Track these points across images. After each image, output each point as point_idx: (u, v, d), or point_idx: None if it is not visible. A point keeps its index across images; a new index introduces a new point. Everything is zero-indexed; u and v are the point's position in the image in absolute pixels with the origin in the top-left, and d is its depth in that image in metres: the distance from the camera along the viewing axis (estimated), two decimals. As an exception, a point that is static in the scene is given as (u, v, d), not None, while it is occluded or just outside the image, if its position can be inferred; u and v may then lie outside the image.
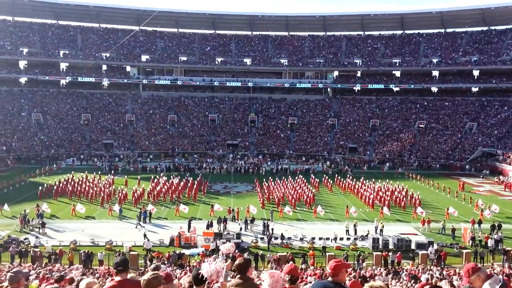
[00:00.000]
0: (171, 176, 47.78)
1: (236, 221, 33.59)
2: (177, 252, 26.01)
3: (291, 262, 5.99)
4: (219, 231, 30.30)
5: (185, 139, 71.29)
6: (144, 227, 31.76)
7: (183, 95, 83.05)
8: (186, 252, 26.58)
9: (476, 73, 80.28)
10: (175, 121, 75.50)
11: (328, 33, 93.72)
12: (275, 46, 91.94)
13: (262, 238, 29.81)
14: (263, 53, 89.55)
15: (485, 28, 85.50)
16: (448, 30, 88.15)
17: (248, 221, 32.43)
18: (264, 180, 47.01)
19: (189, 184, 44.02)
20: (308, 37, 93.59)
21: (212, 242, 27.68)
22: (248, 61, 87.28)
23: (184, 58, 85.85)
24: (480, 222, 32.44)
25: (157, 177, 47.43)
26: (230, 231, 30.62)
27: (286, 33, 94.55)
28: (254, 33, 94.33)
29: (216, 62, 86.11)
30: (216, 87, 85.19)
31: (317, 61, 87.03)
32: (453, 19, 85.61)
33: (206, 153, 68.01)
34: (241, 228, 31.68)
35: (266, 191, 42.93)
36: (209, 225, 30.98)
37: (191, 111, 79.44)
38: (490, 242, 28.79)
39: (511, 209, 39.02)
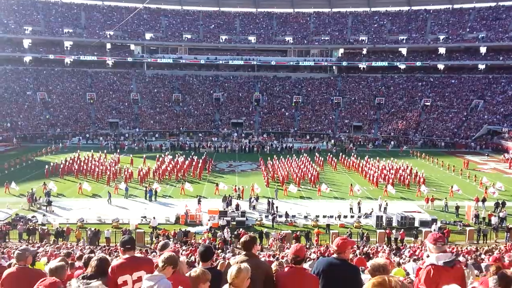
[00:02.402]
0: (176, 155, 48.03)
1: (241, 199, 33.90)
2: (183, 230, 26.41)
3: (297, 244, 6.13)
4: (224, 209, 30.64)
5: (190, 118, 71.35)
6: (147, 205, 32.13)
7: (188, 74, 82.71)
8: (192, 229, 26.96)
9: (483, 50, 79.20)
10: (180, 100, 75.41)
11: (334, 10, 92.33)
12: (280, 23, 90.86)
13: (266, 216, 30.15)
14: (268, 31, 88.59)
15: (493, 4, 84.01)
16: (456, 6, 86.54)
17: (253, 199, 32.70)
18: (269, 158, 47.14)
19: (194, 163, 44.27)
20: (313, 14, 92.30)
21: (219, 220, 28.11)
22: (252, 39, 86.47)
23: (188, 36, 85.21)
24: (484, 200, 32.58)
25: (162, 155, 47.73)
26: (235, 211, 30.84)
27: (291, 10, 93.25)
28: (259, 10, 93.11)
29: (221, 40, 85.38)
30: (220, 65, 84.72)
31: (322, 38, 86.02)
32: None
33: (211, 132, 68.12)
34: (254, 207, 32.08)
35: (270, 169, 43.10)
36: (228, 203, 31.36)
37: (196, 89, 79.25)
38: (494, 220, 28.96)
39: (516, 187, 39.03)
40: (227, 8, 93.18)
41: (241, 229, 26.73)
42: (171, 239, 24.22)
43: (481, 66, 79.53)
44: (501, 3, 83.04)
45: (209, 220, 28.39)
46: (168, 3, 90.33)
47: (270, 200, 32.30)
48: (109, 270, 4.59)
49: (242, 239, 5.08)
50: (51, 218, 28.84)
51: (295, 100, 76.08)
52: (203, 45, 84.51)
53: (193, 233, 26.40)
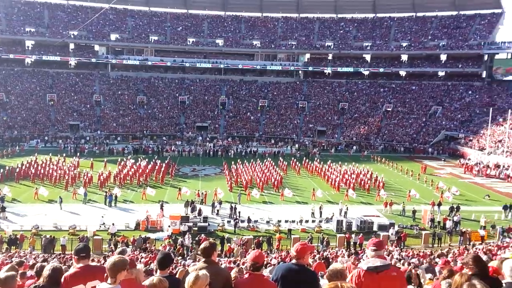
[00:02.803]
0: (139, 159, 47.32)
1: (204, 204, 33.75)
2: (143, 236, 26.05)
3: (256, 250, 6.11)
4: (186, 214, 30.41)
5: (154, 121, 70.43)
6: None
7: (153, 76, 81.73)
8: (152, 236, 26.63)
9: (443, 57, 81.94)
10: (144, 103, 74.37)
11: (302, 15, 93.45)
12: (248, 27, 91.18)
13: (229, 222, 30.10)
14: (236, 34, 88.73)
15: (454, 13, 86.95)
16: (419, 14, 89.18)
17: (215, 204, 32.61)
18: (233, 163, 47.17)
19: (157, 167, 43.77)
20: (281, 19, 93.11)
21: (181, 226, 27.86)
22: (220, 42, 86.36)
23: (155, 38, 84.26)
24: (440, 204, 33.62)
25: (124, 159, 46.96)
26: (197, 217, 30.63)
27: (259, 14, 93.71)
28: (227, 13, 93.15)
29: (188, 43, 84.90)
30: (187, 68, 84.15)
31: (290, 43, 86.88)
32: (424, 3, 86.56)
33: (175, 136, 67.50)
34: (217, 212, 32.05)
35: (234, 174, 43.11)
36: (193, 208, 31.19)
37: (161, 92, 78.37)
38: (448, 224, 29.88)
39: (470, 191, 40.50)
40: (196, 11, 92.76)
41: (202, 235, 26.61)
42: (130, 246, 23.87)
43: (441, 73, 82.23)
44: (462, 12, 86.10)
45: (169, 226, 28.11)
46: (135, 3, 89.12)
47: (233, 205, 32.29)
48: (62, 280, 4.47)
49: (202, 246, 5.02)
50: (4, 224, 27.83)
51: (261, 104, 76.43)
52: (170, 47, 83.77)
53: (153, 239, 26.07)
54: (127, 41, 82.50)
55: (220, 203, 33.01)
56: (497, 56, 77.42)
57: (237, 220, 29.56)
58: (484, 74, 78.47)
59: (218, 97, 78.24)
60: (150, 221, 28.78)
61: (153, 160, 46.71)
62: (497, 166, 49.43)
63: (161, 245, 25.29)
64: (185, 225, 27.89)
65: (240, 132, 70.16)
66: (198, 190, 35.70)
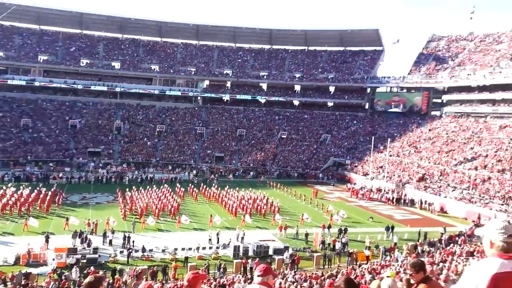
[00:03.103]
0: (21, 187, 43.37)
1: (94, 234, 31.82)
2: (23, 271, 23.69)
3: (146, 282, 5.81)
4: (74, 245, 28.39)
5: (40, 146, 65.26)
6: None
7: (41, 98, 76.23)
8: (34, 271, 24.32)
9: (332, 89, 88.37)
10: (29, 126, 68.77)
11: (201, 42, 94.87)
12: (146, 51, 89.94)
13: (122, 252, 28.70)
14: (133, 58, 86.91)
15: (341, 49, 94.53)
16: (311, 48, 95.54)
17: (107, 234, 30.95)
18: (127, 189, 45.43)
19: (41, 196, 40.45)
20: (181, 45, 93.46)
21: (68, 259, 25.87)
22: (116, 65, 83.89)
23: (45, 58, 79.27)
24: (329, 227, 35.45)
25: (4, 187, 42.73)
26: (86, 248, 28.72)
27: (159, 39, 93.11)
28: (125, 36, 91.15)
29: (81, 64, 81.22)
30: (79, 90, 79.99)
31: (189, 69, 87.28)
32: (315, 38, 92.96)
33: (64, 161, 63.16)
34: (110, 241, 30.28)
35: (128, 201, 41.46)
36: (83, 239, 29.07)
37: (49, 115, 73.16)
38: (338, 245, 31.54)
39: (356, 214, 43.39)
40: (91, 32, 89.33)
41: (92, 268, 24.97)
42: (9, 283, 21.59)
43: (330, 104, 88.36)
44: (348, 48, 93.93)
45: (53, 260, 25.97)
46: (24, 21, 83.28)
47: (127, 234, 30.91)
48: None
49: (86, 280, 4.69)
50: None
51: (158, 129, 75.06)
52: (61, 68, 79.36)
53: (35, 274, 23.80)
54: (12, 59, 76.48)
55: (113, 232, 31.41)
56: (378, 90, 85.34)
57: (130, 250, 28.30)
58: (367, 106, 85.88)
59: (113, 121, 75.28)
60: (32, 255, 26.33)
61: (37, 188, 43.08)
62: (379, 190, 53.82)
63: (44, 280, 23.22)
64: (72, 257, 25.98)
65: (136, 158, 67.94)
66: (89, 219, 33.63)
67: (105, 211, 38.87)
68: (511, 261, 2.72)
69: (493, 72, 67.57)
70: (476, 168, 50.48)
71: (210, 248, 30.68)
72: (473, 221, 38.20)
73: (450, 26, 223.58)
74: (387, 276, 8.50)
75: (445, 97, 75.80)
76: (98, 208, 41.34)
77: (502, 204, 39.79)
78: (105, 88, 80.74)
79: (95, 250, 27.84)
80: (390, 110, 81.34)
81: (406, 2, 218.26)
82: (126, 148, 70.13)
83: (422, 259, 27.00)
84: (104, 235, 30.89)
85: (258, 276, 4.76)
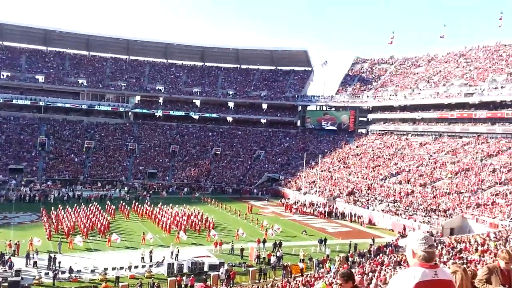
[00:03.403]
0: None
1: (16, 255, 29.61)
2: None
3: None
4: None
5: (-47, 163, 60.19)
6: None
7: (-47, 112, 70.55)
8: None
9: (265, 106, 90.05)
10: None
11: (132, 57, 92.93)
12: (73, 64, 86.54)
13: (47, 273, 26.94)
14: (59, 71, 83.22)
15: (273, 68, 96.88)
16: (243, 66, 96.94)
17: (31, 255, 28.94)
18: (53, 208, 42.93)
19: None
20: (110, 59, 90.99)
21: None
22: (40, 78, 79.98)
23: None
24: (264, 241, 35.71)
25: None
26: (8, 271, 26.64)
27: (86, 53, 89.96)
28: (49, 48, 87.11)
29: (2, 77, 76.26)
30: (-1, 104, 75.03)
31: (119, 84, 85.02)
32: (247, 57, 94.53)
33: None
34: (35, 263, 28.21)
35: (54, 220, 39.16)
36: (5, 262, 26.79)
37: (-37, 131, 67.80)
38: (273, 259, 31.83)
39: (290, 228, 44.12)
40: (12, 43, 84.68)
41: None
42: None
43: (263, 121, 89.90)
44: (279, 67, 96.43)
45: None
46: None
47: (52, 255, 29.10)
48: None
49: None
50: None
51: (86, 145, 71.99)
52: (-22, 81, 74.00)
53: None
54: None
55: (37, 253, 29.44)
56: (309, 108, 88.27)
57: (56, 271, 26.66)
58: (299, 123, 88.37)
59: (36, 137, 71.18)
60: None
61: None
62: (311, 204, 55.24)
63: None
64: (-9, 281, 24.00)
65: (63, 175, 64.52)
66: (10, 240, 31.29)
67: (28, 231, 36.38)
68: (432, 270, 2.93)
69: (412, 93, 72.55)
70: (400, 182, 53.53)
71: (143, 266, 29.71)
72: (399, 232, 40.28)
73: (373, 49, 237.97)
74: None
75: (370, 116, 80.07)
76: (21, 228, 38.61)
77: (424, 216, 42.39)
78: (28, 102, 76.36)
79: (18, 272, 25.92)
80: (320, 128, 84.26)
81: (332, 24, 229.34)
82: (51, 165, 66.45)
83: (353, 269, 28.04)
84: (28, 256, 28.89)
85: None
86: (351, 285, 4.18)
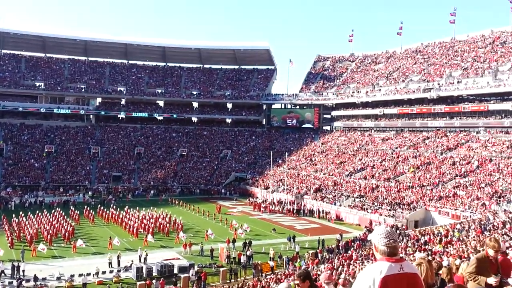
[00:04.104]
0: None
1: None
2: None
3: None
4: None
5: None
6: None
7: None
8: None
9: (229, 105, 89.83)
10: None
11: (91, 58, 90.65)
12: (30, 67, 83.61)
13: (10, 283, 25.98)
14: (14, 74, 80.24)
15: (236, 67, 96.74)
16: (206, 66, 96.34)
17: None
18: (14, 216, 41.40)
19: None
20: (68, 60, 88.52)
21: None
22: (-5, 81, 76.69)
23: None
24: (234, 241, 35.66)
25: None
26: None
27: (42, 54, 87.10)
28: (4, 51, 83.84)
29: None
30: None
31: (79, 86, 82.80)
32: (209, 57, 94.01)
33: None
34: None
35: (16, 228, 37.75)
36: None
37: None
38: (243, 259, 31.81)
39: (259, 226, 44.27)
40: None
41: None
42: None
43: (229, 120, 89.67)
44: (242, 67, 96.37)
45: None
46: None
47: (15, 263, 28.07)
48: None
49: None
50: None
51: (47, 150, 69.74)
52: None
53: None
54: None
55: (1, 262, 28.32)
56: (273, 106, 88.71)
57: (20, 280, 25.73)
58: (264, 121, 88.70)
59: (-7, 142, 68.39)
60: None
61: None
62: (279, 202, 55.60)
63: None
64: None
65: (23, 181, 62.29)
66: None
67: (-13, 240, 34.94)
68: (398, 264, 3.00)
69: (373, 90, 74.26)
70: (365, 178, 54.69)
71: (111, 272, 29.16)
72: (366, 227, 41.12)
73: (334, 47, 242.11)
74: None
75: (334, 113, 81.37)
76: (-21, 238, 37.01)
77: (389, 210, 43.48)
78: (-18, 107, 73.32)
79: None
80: (285, 125, 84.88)
81: (294, 23, 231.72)
82: (10, 171, 64.07)
83: (323, 265, 28.41)
84: (-11, 267, 27.75)
85: None
86: (308, 284, 4.28)
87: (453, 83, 61.31)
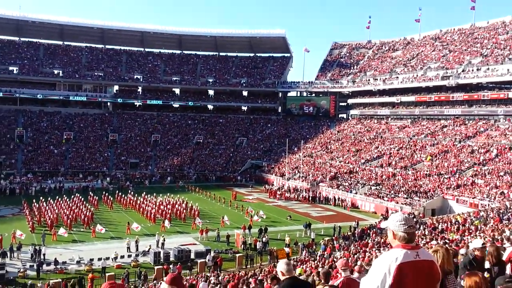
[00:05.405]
0: None
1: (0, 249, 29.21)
2: None
3: None
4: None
5: None
6: None
7: None
8: None
9: (245, 93, 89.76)
10: None
11: (108, 46, 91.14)
12: (48, 54, 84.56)
13: (31, 266, 26.69)
14: (33, 62, 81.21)
15: (251, 55, 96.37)
16: (222, 54, 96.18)
17: (14, 248, 28.60)
18: (34, 201, 42.35)
19: None
20: (85, 48, 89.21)
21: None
22: (15, 69, 78.09)
23: None
24: (250, 227, 35.93)
25: None
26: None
27: (60, 42, 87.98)
28: (22, 39, 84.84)
29: (-27, 69, 74.19)
30: (-29, 97, 73.01)
31: (96, 74, 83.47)
32: (225, 44, 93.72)
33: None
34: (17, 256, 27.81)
35: (36, 213, 38.64)
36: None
37: None
38: (259, 245, 32.08)
39: (275, 213, 44.47)
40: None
41: (-1, 285, 22.96)
42: None
43: (244, 108, 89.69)
44: (258, 54, 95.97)
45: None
46: None
47: (37, 247, 28.80)
48: None
49: None
50: None
51: (65, 137, 70.83)
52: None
53: None
54: None
55: (20, 247, 29.09)
56: (289, 94, 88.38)
57: (41, 263, 26.40)
58: (280, 109, 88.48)
59: (13, 129, 69.70)
60: None
61: None
62: (295, 189, 55.69)
63: None
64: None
65: (43, 167, 63.49)
66: (-7, 234, 30.82)
67: (10, 224, 35.92)
68: (413, 251, 2.99)
69: (391, 77, 73.33)
70: (382, 166, 54.34)
71: (129, 256, 29.65)
72: (382, 214, 40.99)
73: (350, 34, 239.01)
74: (299, 274, 8.95)
75: (350, 101, 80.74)
76: (2, 221, 38.07)
77: (406, 198, 43.24)
78: (1, 94, 74.42)
79: (2, 265, 25.61)
80: (302, 113, 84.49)
81: (310, 10, 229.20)
82: (30, 157, 65.30)
83: (339, 252, 28.46)
84: (11, 250, 28.55)
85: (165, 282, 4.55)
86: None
87: (473, 70, 60.20)
